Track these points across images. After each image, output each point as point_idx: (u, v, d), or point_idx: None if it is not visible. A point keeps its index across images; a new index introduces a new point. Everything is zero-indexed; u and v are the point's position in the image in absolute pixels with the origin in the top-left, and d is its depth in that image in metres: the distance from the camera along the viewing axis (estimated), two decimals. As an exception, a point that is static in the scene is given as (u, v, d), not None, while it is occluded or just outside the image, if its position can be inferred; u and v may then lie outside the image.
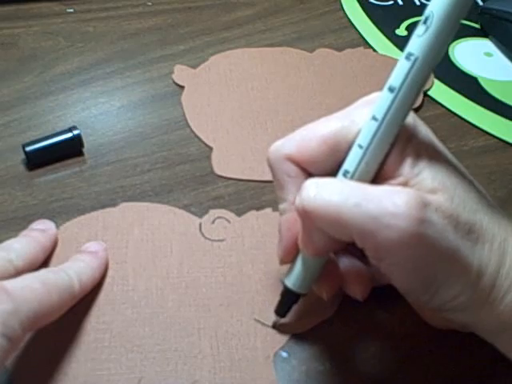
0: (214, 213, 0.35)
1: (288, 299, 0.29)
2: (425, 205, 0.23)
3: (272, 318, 0.30)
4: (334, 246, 0.27)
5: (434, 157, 0.25)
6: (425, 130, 0.26)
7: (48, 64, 0.45)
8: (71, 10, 0.51)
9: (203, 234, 0.34)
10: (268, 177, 0.38)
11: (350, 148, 0.26)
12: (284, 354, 0.30)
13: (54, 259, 0.32)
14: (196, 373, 0.29)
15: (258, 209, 0.36)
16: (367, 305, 0.32)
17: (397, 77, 0.24)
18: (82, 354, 0.29)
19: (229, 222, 0.35)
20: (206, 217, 0.35)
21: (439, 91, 0.46)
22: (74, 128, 0.38)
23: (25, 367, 0.28)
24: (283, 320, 0.30)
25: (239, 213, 0.35)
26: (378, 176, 0.26)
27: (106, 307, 0.31)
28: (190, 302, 0.31)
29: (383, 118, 0.24)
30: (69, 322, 0.30)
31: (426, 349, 0.30)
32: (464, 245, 0.24)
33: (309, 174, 0.27)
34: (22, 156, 0.38)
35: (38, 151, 0.37)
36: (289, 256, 0.29)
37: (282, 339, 0.30)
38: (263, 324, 0.31)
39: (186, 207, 0.36)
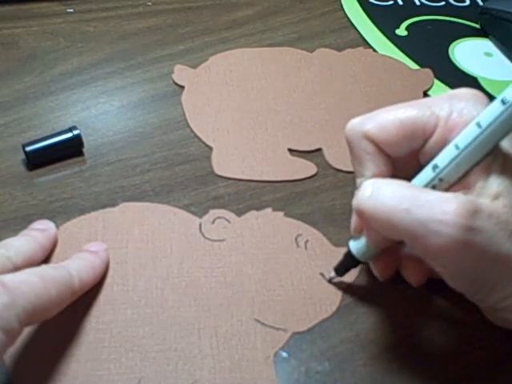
0: (213, 213, 0.35)
1: (348, 262, 0.31)
2: (475, 212, 0.24)
3: (272, 317, 0.31)
4: (389, 242, 0.28)
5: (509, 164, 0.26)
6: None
7: (48, 64, 0.45)
8: (71, 10, 0.51)
9: (203, 234, 0.34)
10: (268, 177, 0.39)
11: (436, 143, 0.27)
12: (284, 354, 0.30)
13: (54, 259, 0.32)
14: (196, 373, 0.29)
15: (257, 209, 0.36)
16: (366, 305, 0.32)
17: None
18: (81, 354, 0.29)
19: (229, 221, 0.35)
20: (205, 217, 0.35)
21: (439, 91, 0.46)
22: (74, 128, 0.38)
23: (25, 367, 0.28)
24: (338, 279, 0.32)
25: (239, 213, 0.35)
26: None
27: (106, 307, 0.31)
28: (190, 301, 0.31)
29: (487, 127, 0.25)
30: (68, 322, 0.30)
31: (426, 351, 0.30)
32: None
33: (385, 154, 0.29)
34: (22, 156, 0.38)
35: (38, 151, 0.37)
36: (358, 228, 0.30)
37: (282, 339, 0.30)
38: (263, 324, 0.31)
39: (186, 207, 0.36)
